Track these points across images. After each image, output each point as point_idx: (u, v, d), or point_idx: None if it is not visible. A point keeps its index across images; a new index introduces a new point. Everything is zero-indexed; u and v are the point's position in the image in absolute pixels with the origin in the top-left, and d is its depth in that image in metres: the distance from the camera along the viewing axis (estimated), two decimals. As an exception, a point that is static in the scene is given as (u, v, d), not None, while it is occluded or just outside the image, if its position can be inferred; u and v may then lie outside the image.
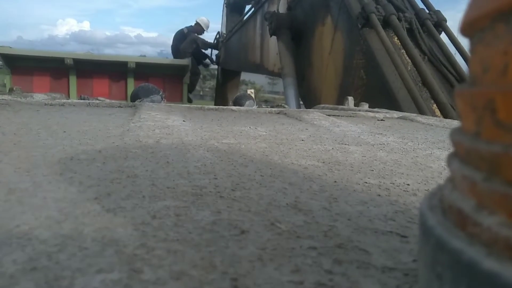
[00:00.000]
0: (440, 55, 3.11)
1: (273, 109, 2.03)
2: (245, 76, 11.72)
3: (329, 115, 1.73)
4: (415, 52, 2.95)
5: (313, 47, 4.14)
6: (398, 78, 2.80)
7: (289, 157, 0.80)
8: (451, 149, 0.26)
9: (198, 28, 8.54)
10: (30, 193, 0.48)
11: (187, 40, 8.22)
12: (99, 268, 0.30)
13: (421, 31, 3.19)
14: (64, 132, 0.95)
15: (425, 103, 2.66)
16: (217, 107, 1.88)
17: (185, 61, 7.50)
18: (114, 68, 7.15)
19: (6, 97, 1.82)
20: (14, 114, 1.24)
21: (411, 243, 0.39)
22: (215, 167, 0.67)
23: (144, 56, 10.97)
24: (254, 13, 6.18)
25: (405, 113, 2.19)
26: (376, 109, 2.35)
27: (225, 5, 8.88)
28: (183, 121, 1.26)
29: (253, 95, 5.83)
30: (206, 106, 1.85)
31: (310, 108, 2.78)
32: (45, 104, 1.57)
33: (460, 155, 0.23)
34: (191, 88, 8.12)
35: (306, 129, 1.28)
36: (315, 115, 1.66)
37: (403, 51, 3.01)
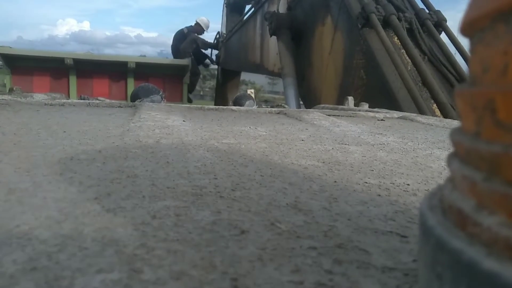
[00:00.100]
0: (440, 55, 3.11)
1: (273, 109, 2.03)
2: (245, 76, 11.71)
3: (329, 115, 1.73)
4: (415, 52, 2.95)
5: (313, 47, 4.14)
6: (398, 78, 2.80)
7: (289, 157, 0.80)
8: (451, 149, 0.26)
9: (198, 28, 8.54)
10: (30, 193, 0.48)
11: (187, 40, 8.22)
12: (99, 268, 0.30)
13: (421, 31, 3.19)
14: (64, 132, 0.95)
15: (425, 103, 2.66)
16: (217, 107, 1.88)
17: (185, 61, 7.50)
18: (114, 68, 7.15)
19: (6, 97, 1.82)
20: (14, 114, 1.24)
21: (411, 243, 0.39)
22: (215, 167, 0.67)
23: (144, 56, 10.98)
24: (254, 13, 6.18)
25: (405, 113, 2.19)
26: (376, 109, 2.35)
27: (225, 5, 8.88)
28: (183, 121, 1.26)
29: (253, 95, 5.84)
30: (206, 106, 1.85)
31: (310, 108, 2.78)
32: (45, 104, 1.57)
33: (460, 155, 0.23)
34: (191, 88, 8.13)
35: (306, 129, 1.28)
36: (315, 115, 1.66)
37: (403, 51, 3.01)
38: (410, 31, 3.16)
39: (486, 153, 0.20)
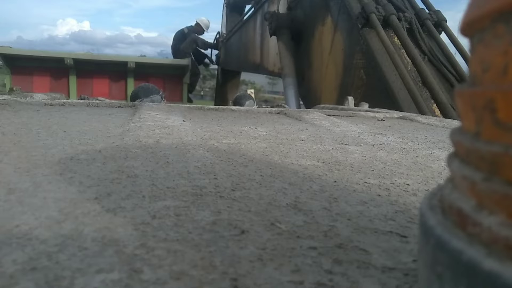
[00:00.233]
0: (440, 55, 3.11)
1: (273, 109, 2.03)
2: (245, 76, 11.71)
3: (329, 115, 1.73)
4: (415, 52, 2.95)
5: (313, 47, 4.14)
6: (398, 78, 2.80)
7: (289, 157, 0.80)
8: (451, 149, 0.26)
9: (198, 29, 8.55)
10: (30, 193, 0.48)
11: (187, 40, 8.23)
12: (99, 268, 0.30)
13: (421, 31, 3.19)
14: (64, 132, 0.95)
15: (425, 103, 2.67)
16: (217, 107, 1.88)
17: (185, 61, 7.50)
18: (114, 68, 7.16)
19: (6, 97, 1.82)
20: (14, 114, 1.24)
21: (411, 243, 0.39)
22: (215, 167, 0.67)
23: (144, 56, 10.98)
24: (254, 13, 6.18)
25: (405, 113, 2.19)
26: (376, 109, 2.35)
27: (225, 5, 8.88)
28: (183, 121, 1.26)
29: (253, 95, 5.84)
30: (206, 106, 1.85)
31: (310, 108, 2.78)
32: (45, 104, 1.57)
33: (460, 155, 0.23)
34: (191, 88, 8.13)
35: (306, 129, 1.28)
36: (315, 115, 1.66)
37: (403, 51, 3.01)
38: (410, 31, 3.16)
39: (486, 153, 0.20)
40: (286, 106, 4.04)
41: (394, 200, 0.54)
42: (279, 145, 0.94)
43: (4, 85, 6.56)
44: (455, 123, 1.70)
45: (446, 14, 3.43)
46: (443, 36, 3.31)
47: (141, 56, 10.23)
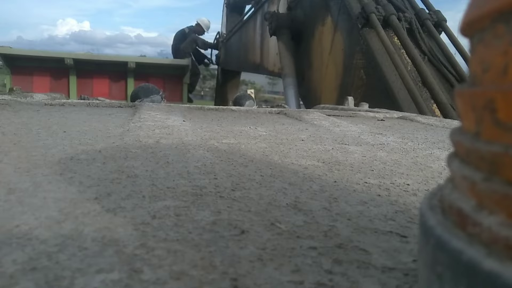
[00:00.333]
0: (440, 55, 3.11)
1: (273, 109, 2.03)
2: (245, 76, 11.71)
3: (329, 115, 1.73)
4: (415, 52, 2.95)
5: (313, 47, 4.14)
6: (398, 78, 2.80)
7: (289, 157, 0.80)
8: (451, 149, 0.26)
9: (199, 29, 8.56)
10: (30, 193, 0.48)
11: (187, 40, 8.24)
12: (99, 268, 0.30)
13: (421, 31, 3.19)
14: (64, 132, 0.95)
15: (425, 103, 2.66)
16: (217, 107, 1.88)
17: (185, 61, 7.51)
18: (114, 68, 7.16)
19: (6, 97, 1.82)
20: (14, 114, 1.24)
21: (411, 243, 0.39)
22: (215, 167, 0.67)
23: (144, 56, 10.99)
24: (254, 13, 6.18)
25: (405, 113, 2.19)
26: (376, 109, 2.35)
27: (225, 5, 8.88)
28: (183, 121, 1.26)
29: (253, 95, 5.84)
30: (206, 106, 1.85)
31: (310, 108, 2.78)
32: (45, 104, 1.57)
33: (460, 155, 0.23)
34: (191, 88, 8.14)
35: (306, 129, 1.28)
36: (315, 115, 1.66)
37: (403, 51, 3.01)
38: (410, 31, 3.16)
39: (486, 153, 0.20)
40: (286, 106, 4.04)
41: (394, 200, 0.54)
42: (279, 145, 0.94)
43: (4, 85, 6.56)
44: (455, 123, 1.70)
45: (446, 14, 3.43)
46: (443, 36, 3.32)
47: (141, 56, 10.24)
